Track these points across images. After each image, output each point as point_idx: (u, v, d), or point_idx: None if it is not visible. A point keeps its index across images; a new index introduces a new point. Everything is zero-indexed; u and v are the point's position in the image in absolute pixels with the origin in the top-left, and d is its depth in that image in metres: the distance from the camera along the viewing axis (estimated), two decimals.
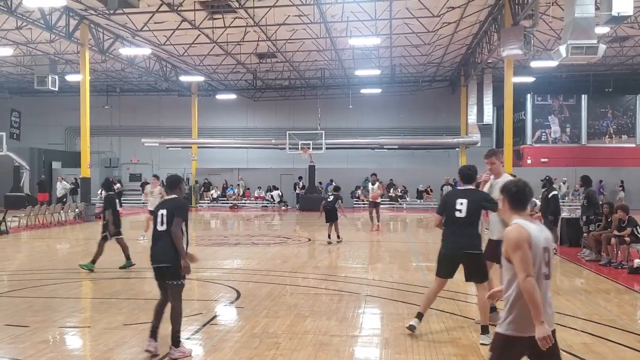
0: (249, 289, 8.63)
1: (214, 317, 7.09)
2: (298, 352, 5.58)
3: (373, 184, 17.66)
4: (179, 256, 5.27)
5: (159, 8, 19.60)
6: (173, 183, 5.59)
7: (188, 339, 6.08)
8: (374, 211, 17.35)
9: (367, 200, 17.80)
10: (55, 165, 34.48)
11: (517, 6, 17.60)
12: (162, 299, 5.53)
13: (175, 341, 5.39)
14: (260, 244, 14.81)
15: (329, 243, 14.11)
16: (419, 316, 6.16)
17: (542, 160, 31.24)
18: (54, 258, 12.68)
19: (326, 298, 8.07)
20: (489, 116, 31.01)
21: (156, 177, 15.80)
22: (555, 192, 12.89)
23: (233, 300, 7.99)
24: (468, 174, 6.03)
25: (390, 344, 5.92)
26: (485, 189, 6.32)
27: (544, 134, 32.33)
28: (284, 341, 5.93)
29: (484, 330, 5.84)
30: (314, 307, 7.50)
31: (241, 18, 21.07)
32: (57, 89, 24.33)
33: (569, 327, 6.44)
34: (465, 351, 5.65)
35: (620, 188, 28.18)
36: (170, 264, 5.27)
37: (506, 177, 6.01)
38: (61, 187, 27.80)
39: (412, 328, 6.06)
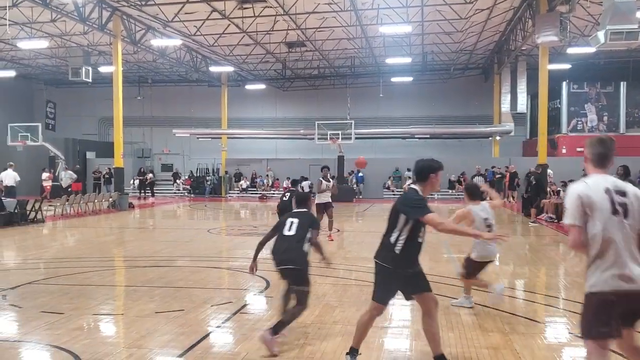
0: (278, 279, 8.62)
1: (244, 305, 7.13)
2: (327, 341, 5.56)
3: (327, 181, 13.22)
4: (306, 261, 5.63)
5: None
6: (303, 200, 6.28)
7: (219, 327, 6.14)
8: (325, 215, 12.78)
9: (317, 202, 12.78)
10: (90, 155, 35.22)
11: None
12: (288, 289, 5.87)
13: (275, 331, 5.30)
14: None
15: None
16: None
17: (578, 150, 30.21)
18: (88, 246, 12.96)
19: (355, 289, 8.03)
20: (522, 105, 30.32)
21: None
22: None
23: (262, 289, 8.02)
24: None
25: (421, 335, 5.81)
26: None
27: (579, 122, 31.37)
28: (313, 330, 5.93)
29: (351, 351, 4.88)
30: (342, 297, 7.47)
31: (271, 7, 21.03)
32: (90, 80, 24.75)
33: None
34: (497, 344, 5.54)
35: None
36: (300, 266, 5.57)
37: None
38: (67, 177, 26.36)
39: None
